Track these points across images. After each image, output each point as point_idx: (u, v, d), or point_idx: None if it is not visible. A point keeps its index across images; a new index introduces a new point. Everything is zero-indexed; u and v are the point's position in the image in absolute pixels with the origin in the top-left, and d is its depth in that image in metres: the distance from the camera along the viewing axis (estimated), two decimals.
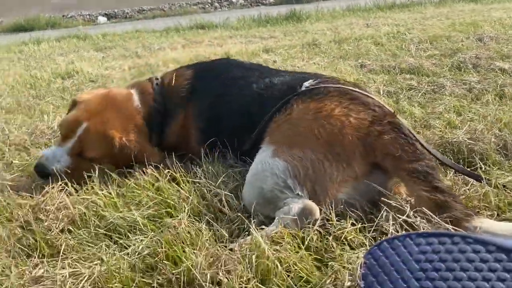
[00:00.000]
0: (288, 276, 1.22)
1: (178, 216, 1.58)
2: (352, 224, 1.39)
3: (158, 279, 1.28)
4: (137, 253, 1.37)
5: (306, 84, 1.86)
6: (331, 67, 3.95)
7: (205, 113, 2.09)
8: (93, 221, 1.58)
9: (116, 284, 1.22)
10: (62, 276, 1.26)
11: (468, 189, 1.65)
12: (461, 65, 3.58)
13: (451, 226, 1.28)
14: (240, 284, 1.17)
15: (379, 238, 1.34)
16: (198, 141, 2.08)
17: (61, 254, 1.41)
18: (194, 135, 2.11)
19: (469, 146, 1.96)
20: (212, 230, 1.49)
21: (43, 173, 1.94)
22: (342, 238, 1.32)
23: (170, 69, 4.78)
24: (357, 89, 1.76)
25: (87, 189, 1.80)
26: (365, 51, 4.58)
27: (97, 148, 1.96)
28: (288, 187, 1.51)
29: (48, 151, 2.01)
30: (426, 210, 1.33)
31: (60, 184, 1.78)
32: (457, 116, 2.45)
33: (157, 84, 2.26)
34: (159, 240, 1.39)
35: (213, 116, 2.06)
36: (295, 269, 1.23)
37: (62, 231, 1.57)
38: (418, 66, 3.63)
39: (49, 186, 1.77)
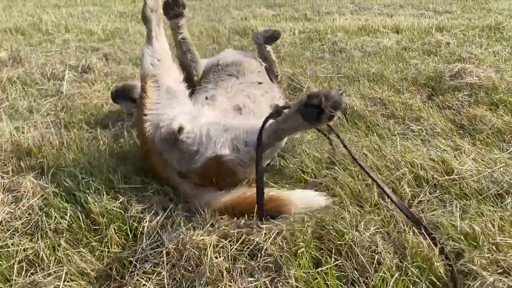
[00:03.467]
0: None
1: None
2: None
3: (322, 246, 1.59)
4: (305, 221, 1.69)
5: None
6: (511, 62, 3.68)
7: None
8: None
9: (300, 243, 1.55)
10: (260, 227, 1.64)
11: None
12: None
13: None
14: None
15: None
16: None
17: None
18: None
19: None
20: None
21: None
22: None
23: (336, 39, 4.96)
24: None
25: None
26: None
27: None
28: None
29: None
30: None
31: None
32: None
33: None
34: (327, 215, 1.69)
35: None
36: None
37: None
38: None
39: None
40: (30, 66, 4.13)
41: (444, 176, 1.98)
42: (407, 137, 2.44)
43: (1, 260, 1.57)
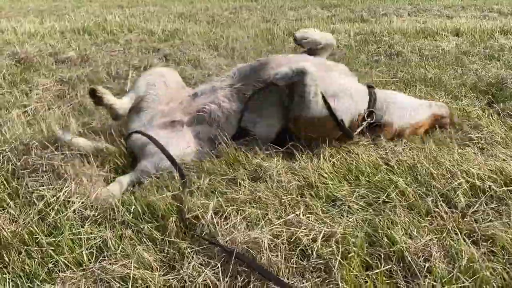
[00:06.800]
0: None
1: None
2: None
3: (372, 252, 1.62)
4: (358, 223, 1.74)
5: None
6: None
7: None
8: (320, 189, 1.99)
9: (351, 247, 1.59)
10: (317, 227, 1.69)
11: None
12: None
13: None
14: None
15: None
16: None
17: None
18: None
19: None
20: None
21: None
22: None
23: (393, 42, 4.87)
24: None
25: None
26: None
27: None
28: None
29: None
30: None
31: None
32: None
33: None
34: (379, 221, 1.72)
35: None
36: None
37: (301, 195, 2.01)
38: None
39: None
40: (97, 65, 4.40)
41: (502, 187, 1.94)
42: (465, 145, 2.39)
43: (75, 247, 1.72)
